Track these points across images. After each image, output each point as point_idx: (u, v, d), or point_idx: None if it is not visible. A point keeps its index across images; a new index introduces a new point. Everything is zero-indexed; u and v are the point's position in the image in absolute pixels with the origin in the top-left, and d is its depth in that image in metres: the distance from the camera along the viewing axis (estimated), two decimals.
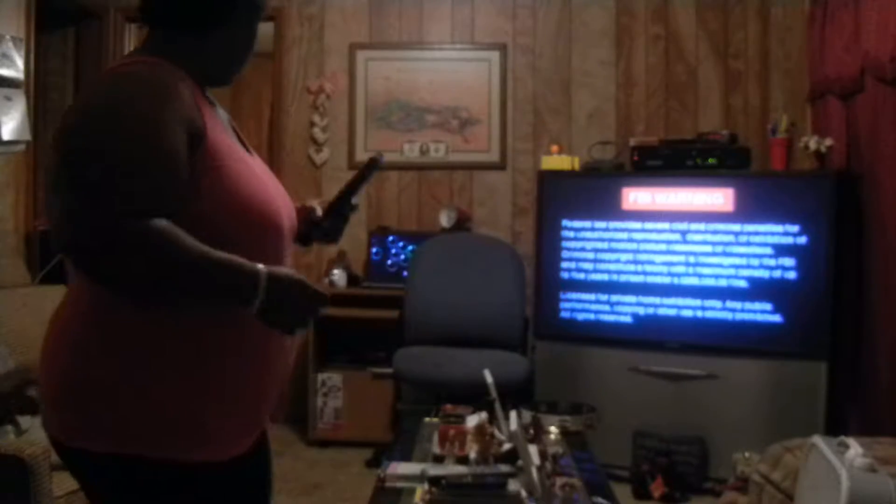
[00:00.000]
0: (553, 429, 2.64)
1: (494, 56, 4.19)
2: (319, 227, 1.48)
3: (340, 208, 1.47)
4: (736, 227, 3.34)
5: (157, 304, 1.17)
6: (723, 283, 3.36)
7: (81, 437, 1.18)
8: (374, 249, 4.13)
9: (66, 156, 1.11)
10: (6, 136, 3.13)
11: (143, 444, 1.17)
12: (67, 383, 1.19)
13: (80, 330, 1.19)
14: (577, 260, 3.60)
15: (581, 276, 3.59)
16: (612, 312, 3.54)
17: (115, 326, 1.17)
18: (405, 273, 3.97)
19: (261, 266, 1.15)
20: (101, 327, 1.18)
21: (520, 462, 1.98)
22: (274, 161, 4.19)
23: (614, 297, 3.53)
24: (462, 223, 4.10)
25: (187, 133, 1.16)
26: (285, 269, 1.20)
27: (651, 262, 3.48)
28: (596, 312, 3.56)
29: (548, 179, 3.71)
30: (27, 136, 3.24)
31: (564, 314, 3.62)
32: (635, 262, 3.50)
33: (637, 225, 3.50)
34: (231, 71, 1.34)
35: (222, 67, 1.32)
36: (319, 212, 1.48)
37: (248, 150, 1.36)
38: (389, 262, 4.10)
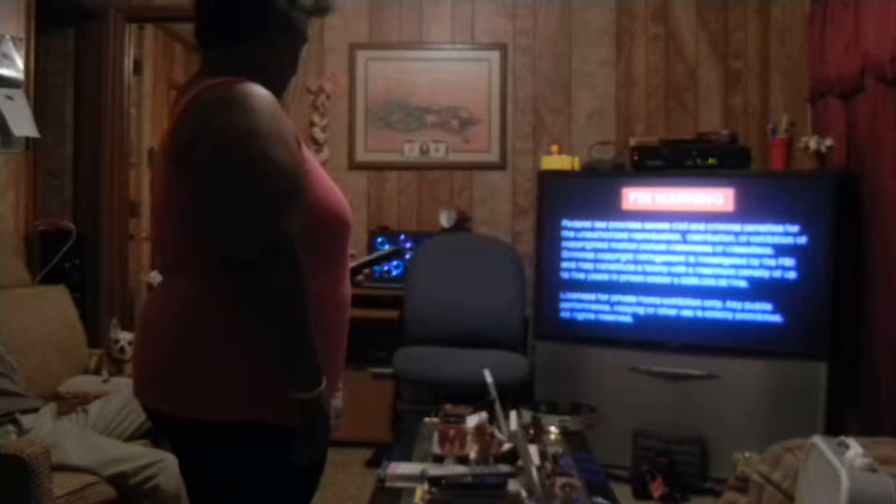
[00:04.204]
0: (553, 429, 2.64)
1: (494, 56, 4.19)
2: None
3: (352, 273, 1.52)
4: (736, 227, 3.34)
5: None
6: (723, 283, 3.36)
7: (201, 408, 1.29)
8: (373, 249, 4.13)
9: (228, 172, 1.21)
10: (16, 133, 3.15)
11: (257, 411, 1.28)
12: (187, 361, 1.30)
13: (191, 318, 1.30)
14: (577, 260, 3.60)
15: (581, 276, 3.59)
16: (612, 312, 3.54)
17: (223, 315, 1.27)
18: (397, 272, 3.98)
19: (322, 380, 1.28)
20: (211, 317, 1.29)
21: (520, 462, 1.98)
22: None
23: (614, 297, 3.53)
24: (462, 223, 4.10)
25: (295, 142, 1.28)
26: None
27: (651, 262, 3.48)
28: (596, 312, 3.56)
29: (548, 179, 3.71)
30: (35, 133, 3.25)
31: (564, 314, 3.61)
32: (635, 262, 3.50)
33: (637, 225, 3.50)
34: (282, 81, 1.42)
35: (276, 77, 1.39)
36: None
37: None
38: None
